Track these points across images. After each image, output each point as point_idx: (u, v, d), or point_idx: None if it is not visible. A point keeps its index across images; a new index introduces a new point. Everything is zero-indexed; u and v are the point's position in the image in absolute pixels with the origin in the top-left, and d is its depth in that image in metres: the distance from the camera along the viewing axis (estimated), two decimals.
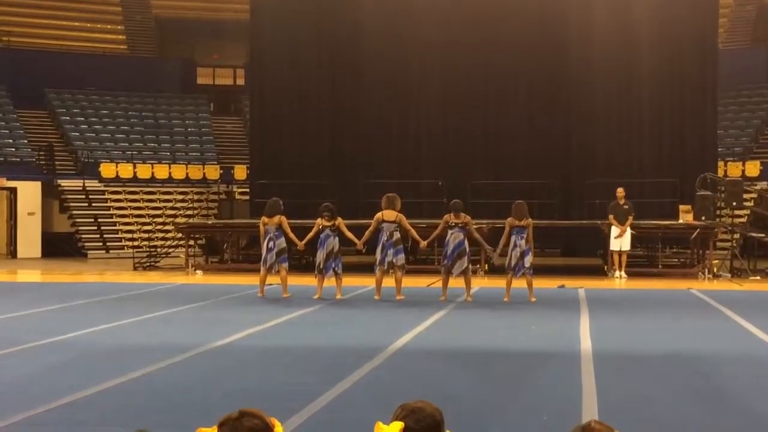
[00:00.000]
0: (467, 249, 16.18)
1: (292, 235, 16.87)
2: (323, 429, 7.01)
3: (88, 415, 7.45)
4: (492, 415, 7.50)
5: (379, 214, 16.44)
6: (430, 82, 26.08)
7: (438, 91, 25.94)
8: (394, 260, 16.24)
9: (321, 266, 16.49)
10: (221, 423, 2.63)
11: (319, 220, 16.64)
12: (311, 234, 16.83)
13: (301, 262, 23.19)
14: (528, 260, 15.95)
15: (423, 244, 16.77)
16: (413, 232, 16.76)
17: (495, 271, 21.43)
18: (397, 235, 16.34)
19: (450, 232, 16.17)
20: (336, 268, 16.49)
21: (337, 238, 16.57)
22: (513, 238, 16.07)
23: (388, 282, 16.52)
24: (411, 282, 18.01)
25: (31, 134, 33.82)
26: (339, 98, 26.66)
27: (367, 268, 18.38)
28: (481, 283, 19.42)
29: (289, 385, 8.65)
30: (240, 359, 10.24)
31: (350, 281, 17.76)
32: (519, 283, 16.23)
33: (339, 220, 16.64)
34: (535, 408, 7.73)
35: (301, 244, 17.10)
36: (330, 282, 16.64)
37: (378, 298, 16.29)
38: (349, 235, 16.73)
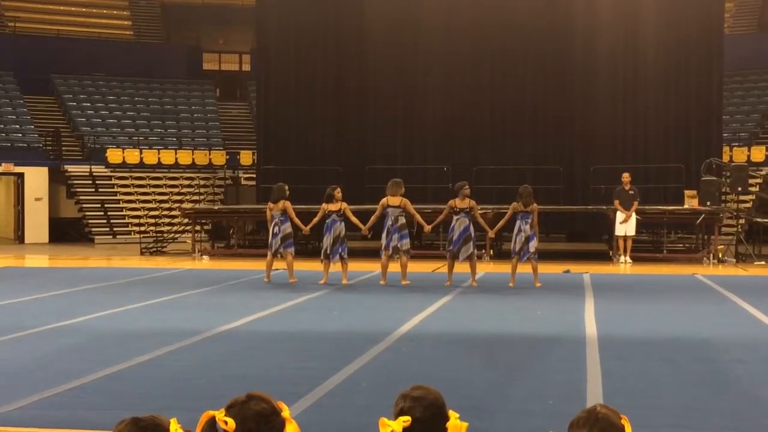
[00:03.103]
0: (473, 234, 16.20)
1: (297, 220, 16.90)
2: (330, 413, 7.05)
3: (96, 399, 7.50)
4: (497, 399, 7.54)
5: (384, 200, 16.47)
6: (436, 68, 26.06)
7: (443, 77, 25.92)
8: (399, 245, 16.26)
9: (327, 251, 16.51)
10: (229, 406, 2.65)
11: (324, 205, 16.66)
12: (316, 219, 16.87)
13: (307, 247, 23.23)
14: (533, 245, 15.96)
15: (427, 228, 16.80)
16: (418, 216, 16.79)
17: (501, 256, 21.46)
18: (402, 220, 16.36)
19: (455, 217, 16.19)
20: (342, 253, 16.51)
21: (343, 223, 16.58)
22: (518, 223, 16.09)
23: (394, 267, 16.56)
24: (416, 267, 18.04)
25: (38, 120, 33.88)
26: (345, 84, 26.65)
27: (372, 253, 18.41)
28: (486, 268, 19.44)
29: (296, 370, 8.70)
30: (246, 344, 10.28)
31: (356, 266, 17.79)
32: (524, 268, 16.26)
33: (344, 205, 16.64)
34: (540, 392, 7.76)
35: (306, 229, 17.15)
36: (336, 267, 16.67)
37: (384, 283, 16.33)
38: (355, 220, 16.73)
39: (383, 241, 16.42)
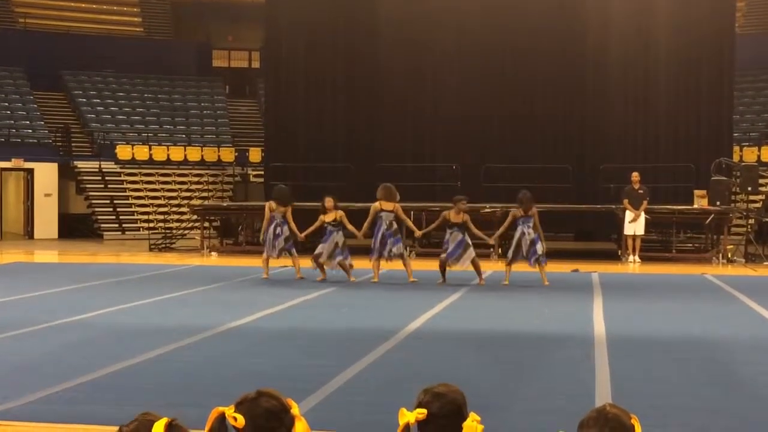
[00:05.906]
0: (469, 242, 16.15)
1: (294, 227, 17.01)
2: (338, 410, 7.05)
3: (105, 395, 7.51)
4: (505, 398, 7.53)
5: (376, 204, 16.53)
6: (446, 66, 26.01)
7: (454, 75, 25.87)
8: (394, 249, 16.36)
9: (321, 258, 16.48)
10: (238, 402, 2.66)
11: (321, 216, 16.64)
12: (312, 228, 16.93)
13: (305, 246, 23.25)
14: (539, 248, 15.95)
15: (418, 233, 17.17)
16: (409, 222, 17.13)
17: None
18: (395, 224, 16.50)
19: (449, 231, 16.12)
20: (342, 260, 16.53)
21: (341, 232, 16.57)
22: (520, 227, 16.11)
23: (387, 266, 16.67)
24: (424, 265, 18.03)
25: (48, 116, 33.95)
26: (354, 81, 26.61)
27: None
28: (494, 266, 19.40)
29: (304, 367, 8.70)
30: (255, 340, 10.29)
31: (363, 264, 17.79)
32: (530, 268, 16.29)
33: (340, 214, 16.62)
34: (548, 391, 7.76)
35: (301, 236, 17.15)
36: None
37: (376, 280, 16.45)
38: (351, 228, 16.69)
39: (375, 245, 16.42)
